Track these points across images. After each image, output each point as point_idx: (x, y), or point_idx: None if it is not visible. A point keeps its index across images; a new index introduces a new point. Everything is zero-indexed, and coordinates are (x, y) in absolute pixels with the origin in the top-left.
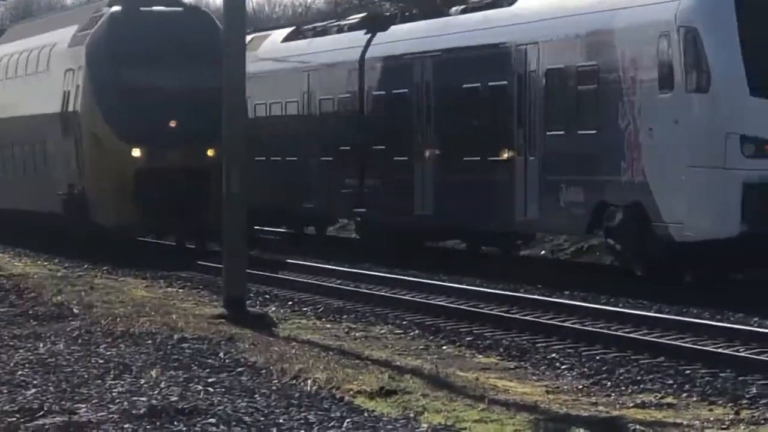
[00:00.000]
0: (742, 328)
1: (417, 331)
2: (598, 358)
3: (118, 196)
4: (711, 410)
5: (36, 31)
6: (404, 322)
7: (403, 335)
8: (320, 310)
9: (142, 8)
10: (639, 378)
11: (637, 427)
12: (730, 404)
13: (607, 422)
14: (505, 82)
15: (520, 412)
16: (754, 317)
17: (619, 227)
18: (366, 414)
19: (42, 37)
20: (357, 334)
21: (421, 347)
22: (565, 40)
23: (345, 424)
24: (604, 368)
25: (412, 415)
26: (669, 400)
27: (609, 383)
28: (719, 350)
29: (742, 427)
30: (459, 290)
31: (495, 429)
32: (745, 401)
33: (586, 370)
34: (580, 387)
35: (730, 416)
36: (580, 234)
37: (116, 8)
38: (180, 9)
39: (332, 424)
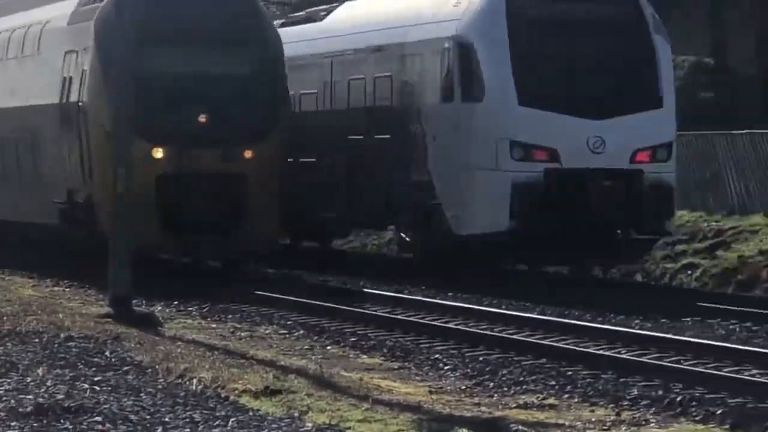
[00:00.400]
0: (623, 330)
1: (302, 332)
2: (481, 359)
3: (136, 207)
4: (592, 411)
5: (14, 8)
6: (289, 323)
7: (287, 335)
8: (205, 309)
9: None
10: (521, 379)
11: (520, 427)
12: (611, 405)
13: (490, 423)
14: (315, 91)
15: (404, 412)
16: (635, 320)
17: (408, 223)
18: (251, 413)
19: (26, 15)
20: (242, 334)
21: (305, 347)
22: (364, 53)
23: (230, 423)
24: (487, 369)
25: (296, 414)
26: (551, 401)
27: (492, 384)
28: (601, 352)
29: (623, 428)
30: (343, 291)
31: (379, 429)
32: (626, 402)
33: (469, 370)
34: (463, 387)
35: (612, 417)
36: (379, 228)
37: None
38: None
39: (217, 422)
